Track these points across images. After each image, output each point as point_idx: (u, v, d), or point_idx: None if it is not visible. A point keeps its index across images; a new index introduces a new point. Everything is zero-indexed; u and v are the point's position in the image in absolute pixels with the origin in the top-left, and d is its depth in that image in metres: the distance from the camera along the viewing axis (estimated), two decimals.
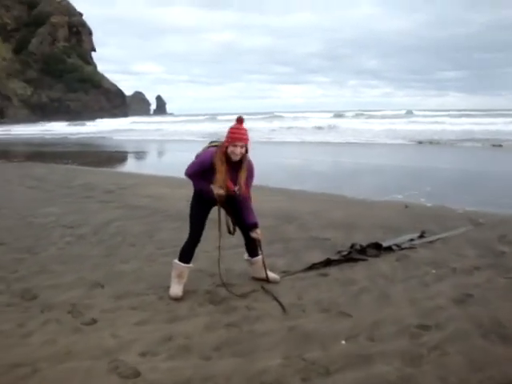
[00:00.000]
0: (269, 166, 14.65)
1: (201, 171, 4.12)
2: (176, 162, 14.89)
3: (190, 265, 4.34)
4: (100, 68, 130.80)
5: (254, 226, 4.31)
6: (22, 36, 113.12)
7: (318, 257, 5.24)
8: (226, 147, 4.03)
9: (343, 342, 3.34)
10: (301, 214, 7.66)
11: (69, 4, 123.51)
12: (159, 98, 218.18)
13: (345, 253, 5.32)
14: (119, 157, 22.96)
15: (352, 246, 5.49)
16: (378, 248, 5.47)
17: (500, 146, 21.56)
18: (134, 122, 66.13)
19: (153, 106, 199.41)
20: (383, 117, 55.29)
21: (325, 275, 4.75)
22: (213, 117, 71.19)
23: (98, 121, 76.67)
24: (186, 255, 4.30)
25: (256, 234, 4.34)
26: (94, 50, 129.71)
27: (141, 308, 4.00)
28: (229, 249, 5.19)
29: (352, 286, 4.45)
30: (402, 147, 22.45)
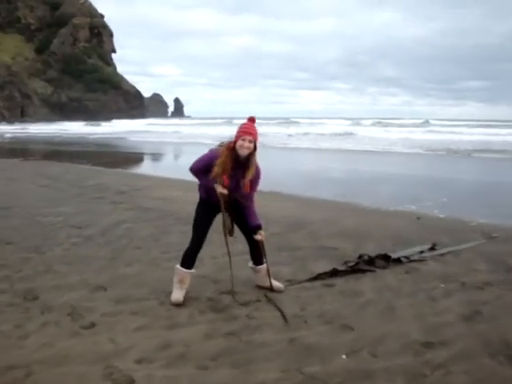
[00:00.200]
0: (283, 172, 14.58)
1: (206, 168, 4.09)
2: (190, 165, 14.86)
3: (192, 270, 4.29)
4: (119, 69, 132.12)
5: (258, 227, 4.25)
6: (45, 36, 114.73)
7: (325, 266, 5.14)
8: (235, 142, 4.01)
9: (344, 356, 3.25)
10: (311, 221, 7.57)
11: (91, 5, 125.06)
12: (177, 101, 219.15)
13: (352, 263, 5.22)
14: (134, 158, 23.06)
15: (360, 257, 5.39)
16: (386, 259, 5.36)
17: None
18: (150, 124, 66.47)
19: (170, 109, 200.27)
20: (400, 125, 54.89)
21: (330, 286, 4.66)
22: (229, 120, 71.26)
23: (114, 121, 77.17)
24: (188, 261, 4.25)
25: (260, 236, 4.27)
26: (114, 52, 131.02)
27: (141, 313, 3.95)
28: (235, 255, 5.09)
29: (357, 298, 4.35)
30: (417, 156, 22.20)
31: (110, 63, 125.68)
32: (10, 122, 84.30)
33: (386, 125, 57.63)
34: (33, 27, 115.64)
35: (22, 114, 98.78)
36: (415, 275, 4.98)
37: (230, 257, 4.36)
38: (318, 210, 8.64)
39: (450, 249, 5.97)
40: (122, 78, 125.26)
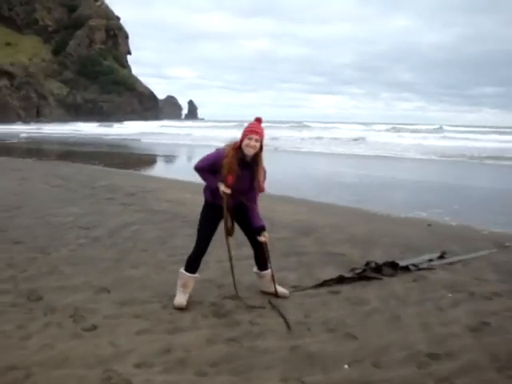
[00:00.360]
0: (295, 176, 14.57)
1: (211, 167, 4.07)
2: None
3: (196, 275, 4.25)
4: (134, 71, 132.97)
5: (262, 229, 4.21)
6: (61, 38, 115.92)
7: (331, 273, 5.08)
8: (241, 141, 3.98)
9: (346, 366, 3.18)
10: (320, 226, 7.51)
11: (107, 8, 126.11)
12: (191, 103, 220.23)
13: (359, 270, 5.15)
14: (146, 159, 23.15)
15: (367, 264, 5.32)
16: (394, 267, 5.28)
17: None
18: (164, 126, 66.77)
19: (184, 111, 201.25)
20: (414, 131, 54.45)
21: (336, 293, 4.59)
22: (242, 123, 71.32)
23: (126, 123, 77.58)
24: (192, 265, 4.22)
25: (263, 237, 4.23)
26: (130, 53, 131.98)
27: (143, 316, 3.93)
28: (240, 260, 5.06)
29: (363, 306, 4.28)
30: (430, 163, 21.99)
31: (125, 65, 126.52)
32: (25, 121, 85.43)
33: (399, 130, 57.20)
34: (50, 29, 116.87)
35: (37, 114, 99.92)
36: (423, 284, 4.90)
37: (231, 262, 4.30)
38: (329, 215, 8.57)
39: (460, 257, 5.86)
40: (136, 80, 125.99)
